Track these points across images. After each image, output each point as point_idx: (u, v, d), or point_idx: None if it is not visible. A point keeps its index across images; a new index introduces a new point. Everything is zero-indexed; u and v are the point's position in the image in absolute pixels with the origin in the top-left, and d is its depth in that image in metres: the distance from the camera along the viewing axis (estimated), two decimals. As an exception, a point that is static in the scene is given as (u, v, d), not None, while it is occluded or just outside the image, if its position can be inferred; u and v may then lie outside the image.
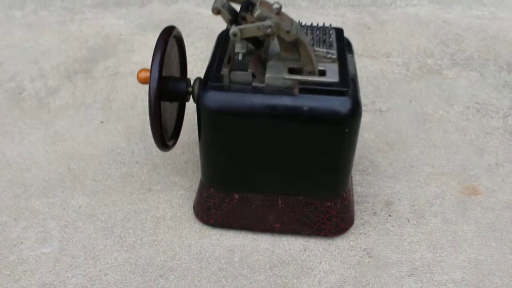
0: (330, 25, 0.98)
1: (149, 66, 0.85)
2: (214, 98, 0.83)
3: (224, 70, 0.83)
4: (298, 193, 0.93)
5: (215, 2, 0.80)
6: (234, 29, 0.77)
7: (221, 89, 0.84)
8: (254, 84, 0.84)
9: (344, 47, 0.94)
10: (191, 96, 0.93)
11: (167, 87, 0.91)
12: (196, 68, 1.47)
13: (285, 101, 0.82)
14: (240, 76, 0.83)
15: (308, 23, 0.99)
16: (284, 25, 0.78)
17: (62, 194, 1.06)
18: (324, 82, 0.83)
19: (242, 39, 0.79)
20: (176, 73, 1.03)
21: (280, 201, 0.94)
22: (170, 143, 0.96)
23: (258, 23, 0.77)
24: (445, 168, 1.17)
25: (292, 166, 0.89)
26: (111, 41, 1.62)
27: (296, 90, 0.82)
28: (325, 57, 0.87)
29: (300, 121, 0.83)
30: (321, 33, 0.95)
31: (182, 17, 1.77)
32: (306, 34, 0.93)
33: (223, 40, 0.96)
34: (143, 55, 1.53)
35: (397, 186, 1.12)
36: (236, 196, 0.94)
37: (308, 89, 0.82)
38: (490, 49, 1.65)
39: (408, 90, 1.44)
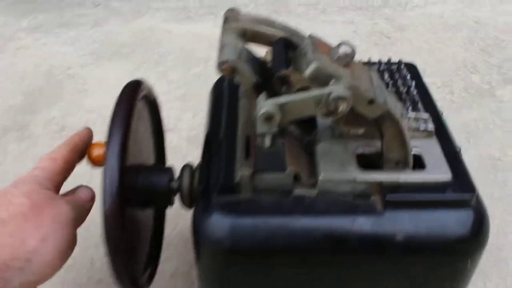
0: (400, 61, 0.60)
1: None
2: (226, 227, 0.45)
3: (243, 172, 0.45)
4: None
5: (223, 49, 0.41)
6: (268, 106, 0.38)
7: (238, 208, 0.45)
8: (297, 191, 0.46)
9: (429, 97, 0.56)
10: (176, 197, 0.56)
11: (134, 185, 0.53)
12: (173, 111, 1.08)
13: (360, 225, 0.44)
14: (272, 180, 0.45)
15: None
16: (363, 89, 0.39)
17: None
18: (429, 183, 0.45)
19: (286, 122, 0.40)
20: (148, 155, 0.64)
21: None
22: (143, 280, 0.58)
23: (316, 93, 0.38)
24: (547, 249, 0.81)
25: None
26: (55, 78, 1.21)
27: (378, 203, 0.44)
28: (417, 129, 0.49)
29: (386, 257, 0.45)
30: (390, 77, 0.57)
31: (147, 37, 1.37)
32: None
33: (224, 98, 0.58)
34: (99, 98, 1.12)
35: (490, 285, 0.75)
36: None
37: (401, 201, 0.44)
38: (543, 56, 1.30)
39: (460, 123, 1.08)
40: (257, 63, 0.41)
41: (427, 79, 1.21)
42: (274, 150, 0.46)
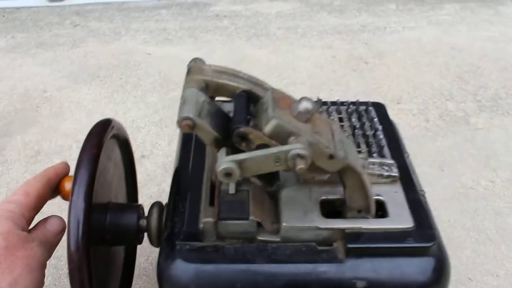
0: (368, 102, 0.61)
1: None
2: (190, 274, 0.45)
3: (206, 221, 0.45)
4: None
5: (184, 104, 0.41)
6: (227, 164, 0.39)
7: (202, 255, 0.46)
8: (260, 238, 0.46)
9: (396, 139, 0.57)
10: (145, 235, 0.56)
11: (102, 224, 0.54)
12: (149, 137, 1.07)
13: (323, 272, 0.44)
14: (235, 228, 0.45)
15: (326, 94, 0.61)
16: (323, 144, 0.40)
17: None
18: (391, 231, 0.46)
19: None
20: (118, 193, 0.64)
21: None
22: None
23: (274, 150, 0.39)
24: (515, 278, 0.82)
25: None
26: (31, 101, 1.20)
27: (340, 250, 0.45)
28: (380, 175, 0.49)
29: (349, 304, 0.46)
30: (358, 119, 0.58)
31: (126, 60, 1.37)
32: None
33: (193, 136, 0.58)
34: (76, 121, 1.12)
35: (459, 317, 0.76)
36: None
37: (362, 248, 0.45)
38: (517, 83, 1.32)
39: (434, 152, 1.09)
40: (219, 117, 0.41)
41: (403, 106, 1.24)
42: (238, 198, 0.46)
